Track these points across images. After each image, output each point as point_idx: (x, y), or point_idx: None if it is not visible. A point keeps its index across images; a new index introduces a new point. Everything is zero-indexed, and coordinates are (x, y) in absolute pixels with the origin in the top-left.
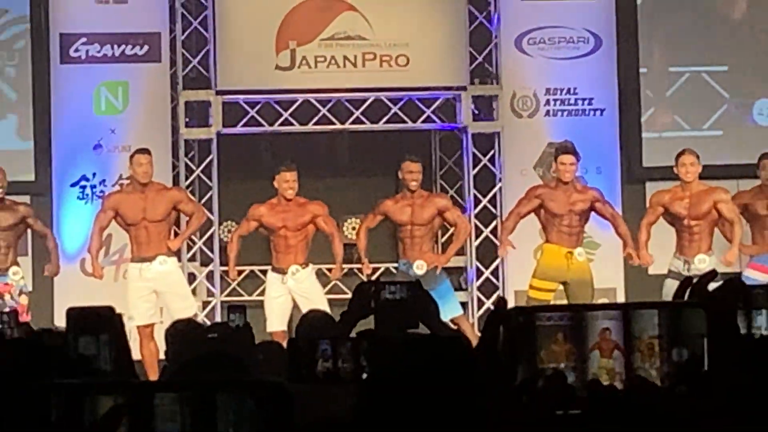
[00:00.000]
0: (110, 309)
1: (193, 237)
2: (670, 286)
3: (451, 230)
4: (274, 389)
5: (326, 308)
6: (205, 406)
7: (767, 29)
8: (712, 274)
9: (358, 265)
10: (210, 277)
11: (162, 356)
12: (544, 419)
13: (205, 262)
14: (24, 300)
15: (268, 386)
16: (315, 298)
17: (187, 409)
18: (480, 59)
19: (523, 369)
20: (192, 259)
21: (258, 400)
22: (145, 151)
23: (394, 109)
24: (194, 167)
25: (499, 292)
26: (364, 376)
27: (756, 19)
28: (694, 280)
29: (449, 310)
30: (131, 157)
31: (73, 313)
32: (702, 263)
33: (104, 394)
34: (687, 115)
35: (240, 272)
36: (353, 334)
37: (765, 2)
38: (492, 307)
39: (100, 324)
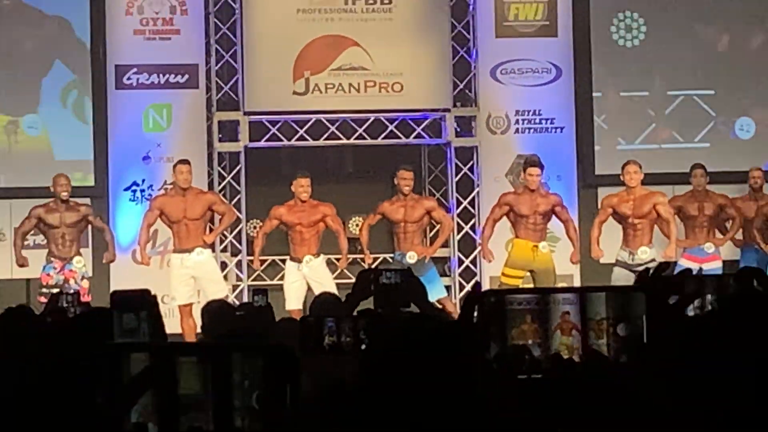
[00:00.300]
0: (147, 291)
1: (224, 232)
2: (618, 273)
3: (438, 227)
4: (281, 352)
5: (335, 291)
6: (220, 366)
7: (746, 59)
8: (665, 265)
9: (361, 256)
10: (239, 265)
11: (199, 330)
12: (512, 383)
13: (235, 252)
14: (85, 284)
15: (276, 350)
16: (325, 282)
17: (206, 368)
18: (461, 86)
19: (495, 343)
20: (224, 250)
21: (267, 361)
22: (186, 161)
23: (391, 127)
24: (226, 175)
25: (477, 278)
26: (363, 347)
27: (737, 51)
28: (651, 272)
29: (435, 293)
30: (174, 166)
31: (117, 296)
32: (644, 254)
33: (139, 352)
34: (681, 131)
35: (263, 261)
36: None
37: (742, 37)
38: (470, 290)
39: (140, 303)
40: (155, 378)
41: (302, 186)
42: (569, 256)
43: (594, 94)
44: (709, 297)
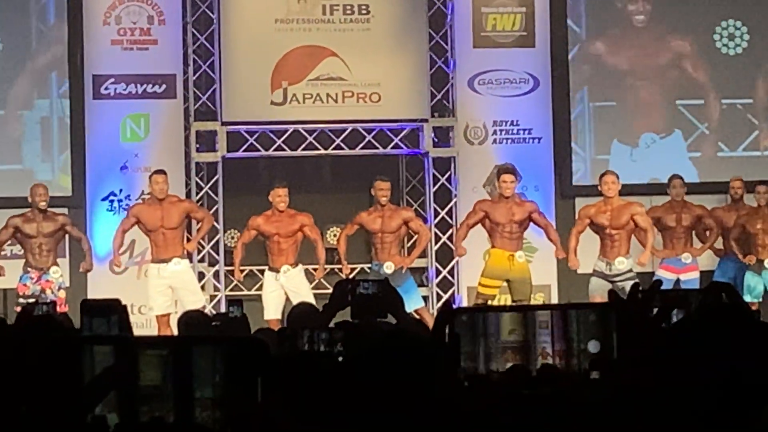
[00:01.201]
0: (117, 300)
1: (202, 242)
2: (595, 283)
3: (415, 237)
4: (251, 344)
5: (312, 301)
6: (183, 359)
7: None
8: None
9: (339, 266)
10: (216, 275)
11: None
12: (509, 399)
13: (213, 262)
14: (62, 294)
15: (246, 341)
16: (303, 292)
17: (168, 361)
18: (439, 96)
19: (470, 361)
20: (202, 260)
21: (237, 354)
22: (162, 171)
23: (368, 137)
24: (203, 185)
25: (454, 289)
26: (340, 359)
27: None
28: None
29: (413, 303)
30: (150, 176)
31: (87, 304)
32: (621, 264)
33: (103, 344)
34: None
35: (241, 271)
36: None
37: None
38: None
39: (110, 310)
40: (118, 372)
41: (279, 196)
42: (548, 264)
43: (695, 102)
44: (675, 311)
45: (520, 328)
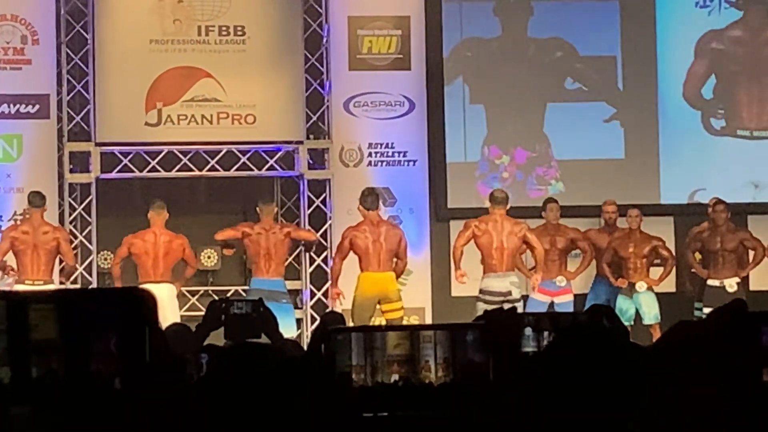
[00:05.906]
0: None
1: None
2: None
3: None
4: (135, 294)
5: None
6: (72, 312)
7: None
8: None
9: (212, 288)
10: None
11: None
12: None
13: (86, 285)
14: None
15: (130, 292)
16: (171, 314)
17: (60, 314)
18: (314, 118)
19: (357, 374)
20: (74, 282)
21: (122, 305)
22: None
23: (243, 159)
24: (77, 206)
25: (328, 310)
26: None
27: None
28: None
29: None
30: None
31: None
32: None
33: None
34: None
35: None
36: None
37: None
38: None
39: None
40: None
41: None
42: (422, 287)
43: None
44: (547, 333)
45: (405, 342)
